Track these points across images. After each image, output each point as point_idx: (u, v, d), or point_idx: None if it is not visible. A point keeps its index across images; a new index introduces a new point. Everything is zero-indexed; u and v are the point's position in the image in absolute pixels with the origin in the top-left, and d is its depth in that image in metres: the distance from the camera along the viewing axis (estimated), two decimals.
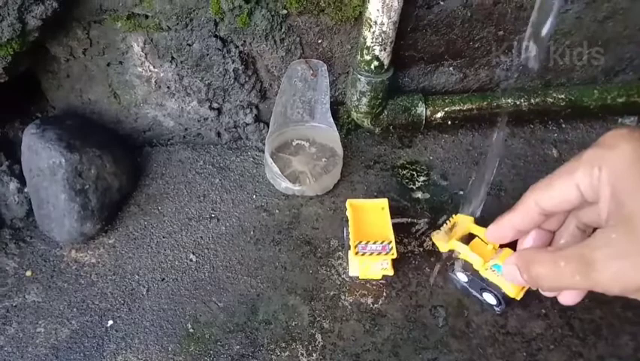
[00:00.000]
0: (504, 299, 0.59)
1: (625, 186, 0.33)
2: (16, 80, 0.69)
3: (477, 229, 0.62)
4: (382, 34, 0.67)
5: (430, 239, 0.65)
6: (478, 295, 0.62)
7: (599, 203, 0.35)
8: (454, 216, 0.65)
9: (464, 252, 0.60)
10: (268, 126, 0.82)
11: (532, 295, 0.64)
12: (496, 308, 0.61)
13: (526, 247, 0.52)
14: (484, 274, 0.59)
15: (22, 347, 0.61)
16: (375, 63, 0.71)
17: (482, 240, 0.61)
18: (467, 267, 0.61)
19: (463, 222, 0.63)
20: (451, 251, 0.64)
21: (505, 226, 0.46)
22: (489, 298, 0.61)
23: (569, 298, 0.44)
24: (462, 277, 0.63)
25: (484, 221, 0.65)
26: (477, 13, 0.73)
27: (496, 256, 0.59)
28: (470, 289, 0.63)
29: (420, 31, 0.74)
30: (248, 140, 0.84)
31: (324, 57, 0.76)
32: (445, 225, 0.63)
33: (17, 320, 0.63)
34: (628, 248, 0.31)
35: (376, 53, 0.70)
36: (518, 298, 0.58)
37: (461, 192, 0.77)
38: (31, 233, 0.72)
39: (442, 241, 0.61)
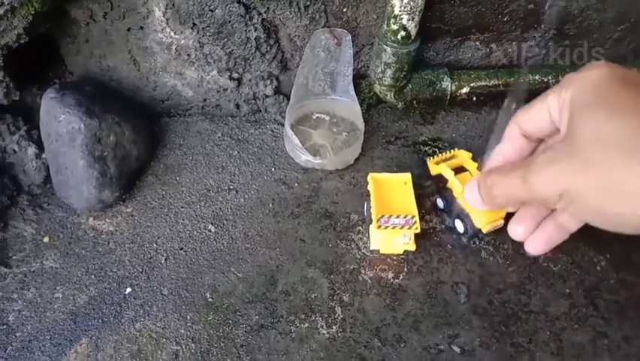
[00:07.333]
0: (471, 229, 0.63)
1: (580, 103, 0.32)
2: (34, 44, 0.68)
3: (470, 165, 0.67)
4: (411, 2, 0.65)
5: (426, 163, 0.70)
6: (452, 223, 0.67)
7: (560, 125, 0.35)
8: (455, 150, 0.69)
9: (450, 177, 0.65)
10: (287, 99, 0.80)
11: (555, 275, 0.64)
12: (463, 238, 0.66)
13: None
14: (460, 200, 0.63)
15: (40, 311, 0.60)
16: (402, 33, 0.69)
17: (472, 174, 0.66)
18: (450, 195, 0.66)
19: (461, 156, 0.68)
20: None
21: (495, 155, 0.45)
22: (459, 226, 0.65)
23: (532, 245, 0.43)
24: (440, 204, 0.68)
25: None
26: None
27: None
28: (447, 217, 0.68)
29: (448, 3, 0.72)
30: (267, 112, 0.83)
31: (349, 27, 0.74)
32: (443, 153, 0.69)
33: (35, 285, 0.63)
34: (561, 154, 0.32)
35: (404, 22, 0.67)
36: (485, 231, 0.62)
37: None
38: (48, 200, 0.72)
39: (434, 164, 0.68)
